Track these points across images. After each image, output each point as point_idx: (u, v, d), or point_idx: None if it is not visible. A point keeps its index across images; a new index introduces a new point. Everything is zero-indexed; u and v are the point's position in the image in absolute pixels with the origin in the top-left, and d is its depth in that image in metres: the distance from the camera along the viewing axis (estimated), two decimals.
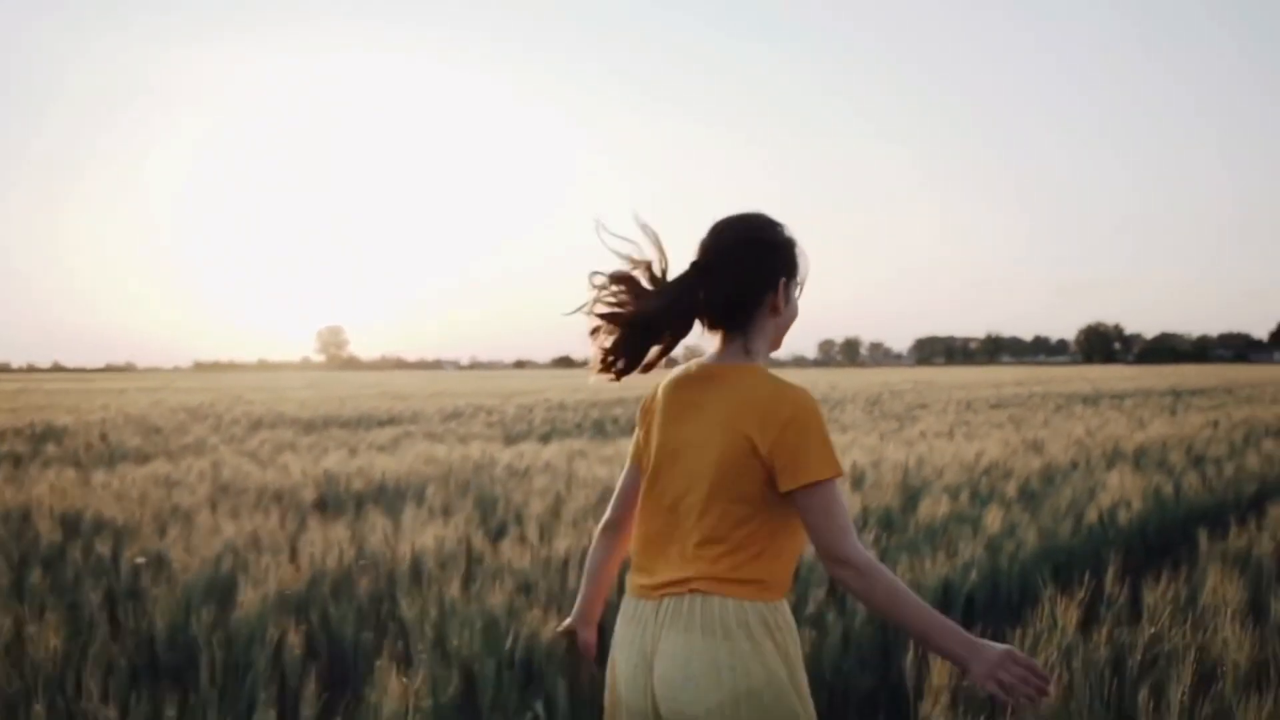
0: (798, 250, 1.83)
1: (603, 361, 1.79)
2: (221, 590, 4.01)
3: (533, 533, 4.71)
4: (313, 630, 3.77)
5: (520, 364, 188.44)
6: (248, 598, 3.69)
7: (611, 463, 7.86)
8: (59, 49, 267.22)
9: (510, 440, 11.76)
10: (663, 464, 1.83)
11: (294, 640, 3.39)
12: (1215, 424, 9.68)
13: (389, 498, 6.68)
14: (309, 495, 6.48)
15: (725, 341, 1.82)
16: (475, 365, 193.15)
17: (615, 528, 2.00)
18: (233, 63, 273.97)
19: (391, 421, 14.29)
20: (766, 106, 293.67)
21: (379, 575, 4.24)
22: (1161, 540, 5.25)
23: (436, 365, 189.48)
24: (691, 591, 1.74)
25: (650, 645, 1.77)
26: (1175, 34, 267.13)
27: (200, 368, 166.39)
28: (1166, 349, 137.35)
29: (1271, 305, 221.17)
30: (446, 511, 5.77)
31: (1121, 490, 5.41)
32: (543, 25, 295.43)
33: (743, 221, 1.82)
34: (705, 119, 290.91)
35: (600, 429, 13.70)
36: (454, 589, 3.74)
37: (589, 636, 2.05)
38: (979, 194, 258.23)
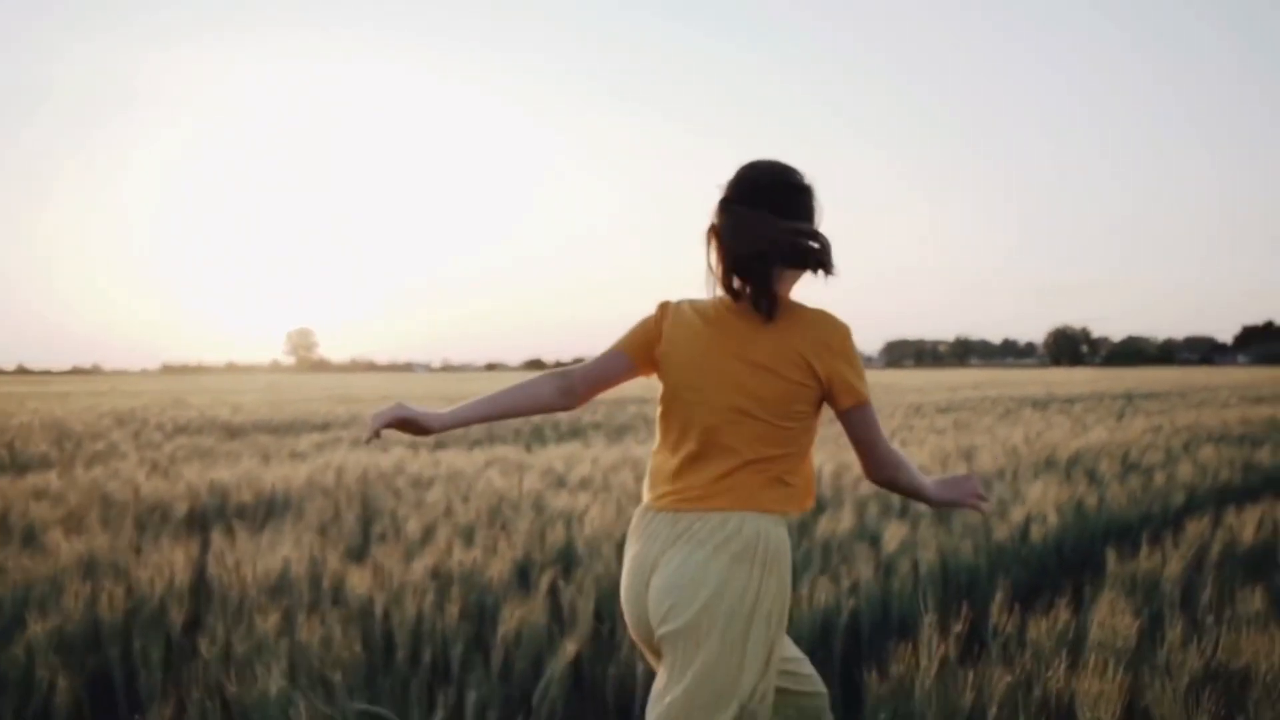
0: (815, 197, 1.95)
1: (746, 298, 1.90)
2: (7, 622, 3.57)
3: (393, 553, 4.30)
4: (110, 667, 3.35)
5: (492, 366, 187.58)
6: (33, 631, 3.26)
7: (527, 471, 7.47)
8: (41, 50, 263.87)
9: (438, 446, 11.33)
10: (702, 390, 1.90)
11: (63, 685, 2.97)
12: (1158, 429, 9.41)
13: (273, 511, 6.26)
14: (183, 509, 6.04)
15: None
16: (447, 368, 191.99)
17: (568, 389, 2.01)
18: (209, 65, 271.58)
19: (325, 427, 13.81)
20: (742, 107, 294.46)
21: (204, 601, 3.83)
22: (1079, 557, 4.92)
23: (407, 368, 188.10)
24: (722, 507, 1.85)
25: (654, 558, 1.87)
26: (1150, 39, 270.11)
27: (168, 370, 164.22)
28: (1133, 352, 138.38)
29: (1236, 309, 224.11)
30: (322, 527, 5.36)
31: (1040, 502, 5.07)
32: (514, 26, 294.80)
33: (770, 169, 1.93)
34: (680, 120, 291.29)
35: (539, 435, 13.28)
36: (271, 621, 3.34)
37: (427, 427, 1.93)
38: (953, 198, 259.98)
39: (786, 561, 1.88)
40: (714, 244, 1.92)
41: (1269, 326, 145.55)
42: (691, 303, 2.00)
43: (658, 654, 1.91)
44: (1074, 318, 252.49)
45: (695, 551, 1.83)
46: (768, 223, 1.85)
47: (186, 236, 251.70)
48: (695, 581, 1.80)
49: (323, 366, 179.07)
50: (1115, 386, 19.53)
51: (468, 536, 4.90)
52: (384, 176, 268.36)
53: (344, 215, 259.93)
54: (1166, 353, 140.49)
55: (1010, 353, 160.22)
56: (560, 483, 6.72)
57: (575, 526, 4.71)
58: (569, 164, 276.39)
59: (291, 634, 3.30)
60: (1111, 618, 2.98)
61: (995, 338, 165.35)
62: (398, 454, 9.14)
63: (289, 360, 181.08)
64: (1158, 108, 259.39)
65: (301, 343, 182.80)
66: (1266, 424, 10.07)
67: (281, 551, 4.30)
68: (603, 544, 4.45)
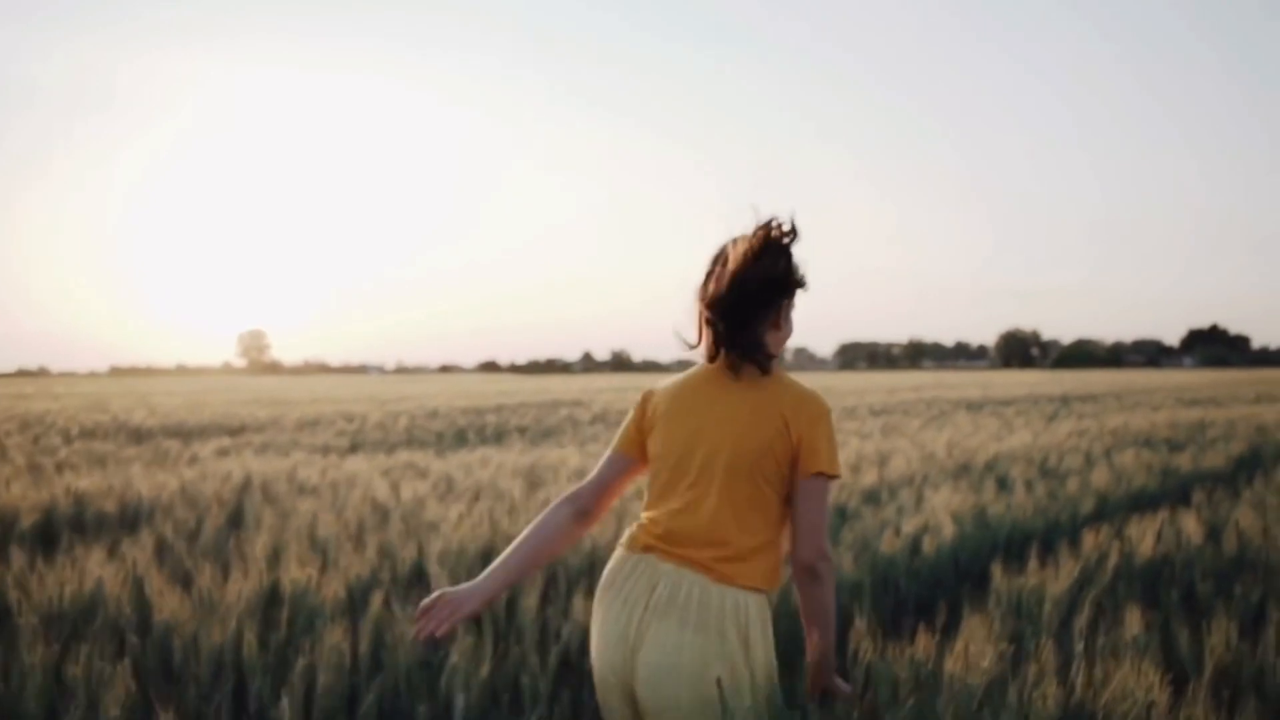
0: (800, 271, 2.02)
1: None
2: None
3: (211, 576, 3.88)
4: None
5: (446, 369, 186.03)
6: None
7: (429, 478, 7.08)
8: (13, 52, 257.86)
9: (351, 450, 10.89)
10: (687, 448, 2.00)
11: None
12: (1084, 433, 9.21)
13: (132, 522, 5.81)
14: (30, 520, 5.58)
15: (726, 356, 2.02)
16: (401, 370, 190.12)
17: (581, 503, 2.10)
18: (164, 71, 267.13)
19: (238, 431, 13.29)
20: (702, 108, 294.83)
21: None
22: (977, 570, 4.62)
23: (361, 370, 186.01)
24: (699, 569, 1.92)
25: (637, 630, 1.91)
26: (1099, 47, 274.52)
27: (116, 372, 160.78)
28: (1082, 354, 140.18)
29: (1183, 312, 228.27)
30: (162, 543, 4.92)
31: (940, 511, 4.77)
32: (469, 28, 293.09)
33: (760, 243, 1.98)
34: (637, 122, 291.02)
35: (462, 438, 12.86)
36: (39, 654, 2.93)
37: (474, 611, 2.00)
38: (910, 199, 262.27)
39: (769, 633, 1.98)
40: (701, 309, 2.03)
41: (1214, 330, 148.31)
42: (672, 382, 2.11)
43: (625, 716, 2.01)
44: (1025, 321, 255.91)
45: (684, 632, 1.90)
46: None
47: (139, 238, 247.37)
48: (691, 666, 1.88)
49: (275, 369, 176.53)
50: (1054, 389, 19.40)
51: (324, 551, 4.51)
52: (339, 178, 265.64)
53: (298, 216, 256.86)
54: (1115, 355, 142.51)
55: (962, 355, 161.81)
56: (448, 491, 6.33)
57: (432, 541, 4.33)
58: (524, 166, 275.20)
59: (59, 668, 2.90)
60: (973, 645, 2.65)
61: (948, 340, 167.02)
62: (295, 459, 8.70)
63: (241, 363, 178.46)
64: (1111, 116, 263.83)
65: (253, 344, 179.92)
66: (1193, 427, 9.92)
67: (97, 571, 3.88)
68: (457, 560, 4.08)
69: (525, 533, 2.07)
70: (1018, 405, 14.27)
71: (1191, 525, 4.35)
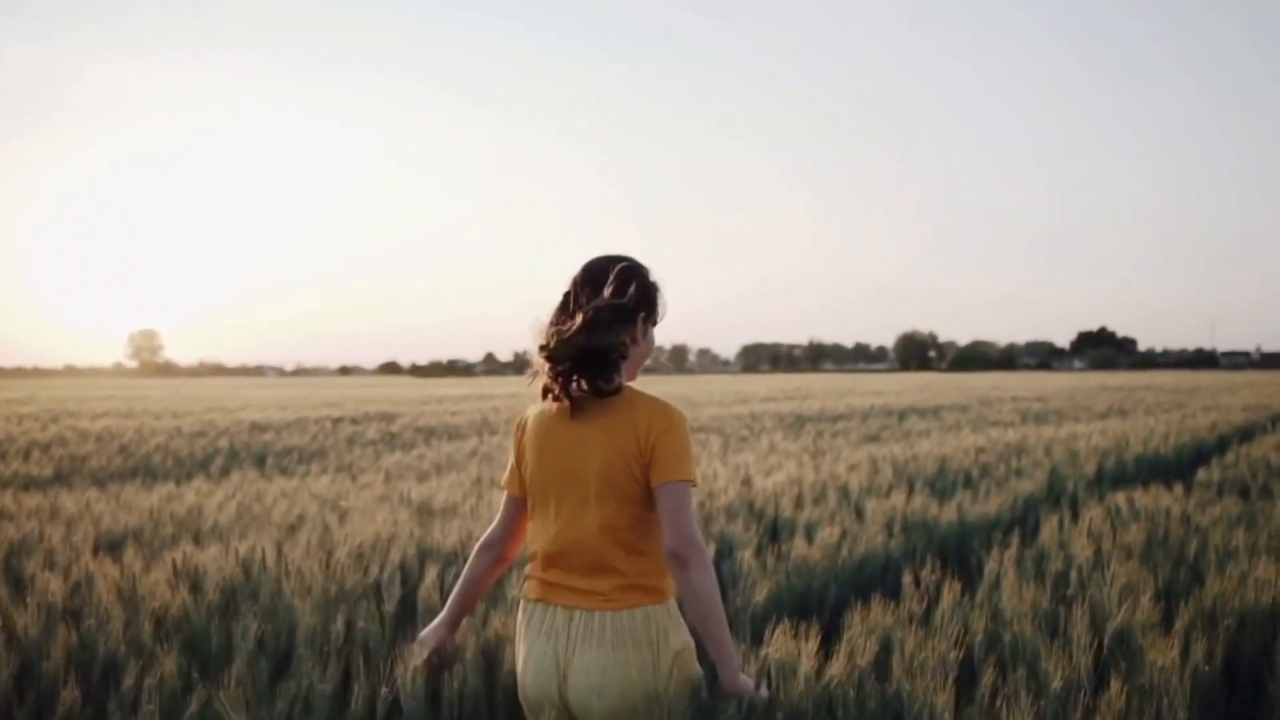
0: (657, 293, 2.22)
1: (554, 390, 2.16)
2: None
3: None
4: None
5: (345, 370, 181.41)
6: None
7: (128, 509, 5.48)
8: None
9: (53, 481, 9.14)
10: (555, 480, 2.17)
11: None
12: (875, 461, 7.89)
13: None
14: None
15: None
16: (300, 371, 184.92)
17: (495, 549, 2.38)
18: (55, 73, 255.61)
19: None
20: (598, 107, 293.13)
21: None
22: None
23: (258, 371, 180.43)
24: (601, 606, 2.10)
25: (563, 656, 2.10)
26: (995, 48, 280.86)
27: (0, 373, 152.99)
28: (978, 356, 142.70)
29: (1074, 315, 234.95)
30: None
31: None
32: (357, 31, 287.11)
33: (610, 263, 2.16)
34: (528, 121, 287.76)
35: (207, 464, 11.11)
36: None
37: (449, 639, 2.50)
38: (815, 200, 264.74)
39: (685, 633, 2.17)
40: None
41: (1102, 332, 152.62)
42: (537, 409, 2.25)
43: None
44: (919, 322, 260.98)
45: (604, 651, 2.07)
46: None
47: (25, 236, 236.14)
48: (617, 680, 2.06)
49: (168, 370, 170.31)
50: (899, 401, 18.18)
51: None
52: (232, 176, 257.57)
53: (191, 215, 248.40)
54: (1008, 357, 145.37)
55: (863, 356, 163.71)
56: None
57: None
58: (418, 165, 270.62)
59: None
60: None
61: (847, 341, 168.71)
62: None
63: (132, 363, 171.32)
64: (1006, 124, 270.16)
65: (145, 345, 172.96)
66: (1006, 451, 8.70)
67: None
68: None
69: (459, 581, 2.42)
70: (850, 420, 12.94)
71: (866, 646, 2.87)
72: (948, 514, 5.72)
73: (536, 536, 2.22)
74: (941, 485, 7.07)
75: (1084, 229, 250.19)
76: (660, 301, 2.22)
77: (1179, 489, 5.81)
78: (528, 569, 2.25)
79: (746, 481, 6.47)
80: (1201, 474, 7.60)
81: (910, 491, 6.27)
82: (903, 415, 14.33)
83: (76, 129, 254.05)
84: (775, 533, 5.29)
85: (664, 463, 2.08)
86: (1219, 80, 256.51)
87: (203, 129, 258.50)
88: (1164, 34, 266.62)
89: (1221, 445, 11.10)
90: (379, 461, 10.80)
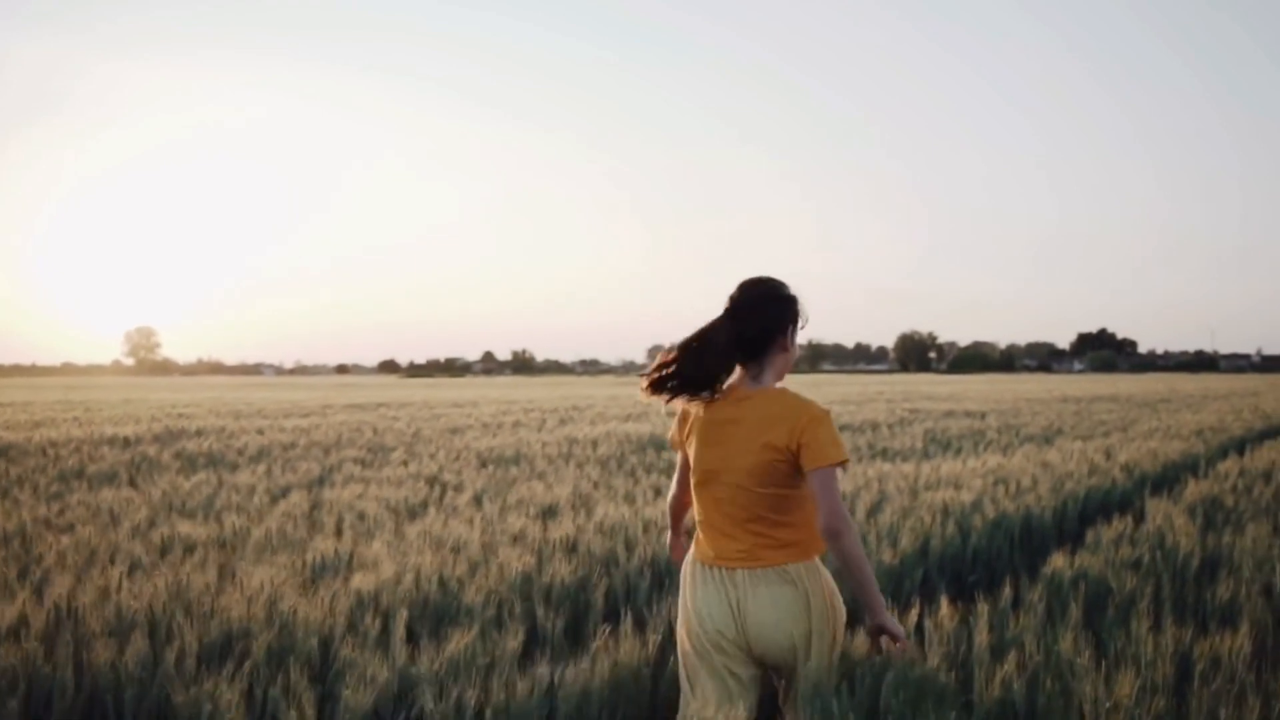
0: (800, 304, 2.62)
1: (678, 387, 2.58)
2: None
3: None
4: None
5: (343, 369, 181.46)
6: None
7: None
8: None
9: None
10: (713, 467, 2.57)
11: None
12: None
13: None
14: None
15: (746, 371, 2.59)
16: (299, 369, 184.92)
17: (679, 500, 2.84)
18: (59, 72, 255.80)
19: None
20: (607, 108, 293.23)
21: None
22: None
23: (256, 369, 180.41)
24: (760, 566, 2.51)
25: (738, 603, 2.50)
26: (994, 51, 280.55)
27: None
28: (977, 357, 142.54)
29: (1074, 316, 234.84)
30: None
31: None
32: (361, 29, 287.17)
33: (762, 283, 2.60)
34: (531, 121, 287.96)
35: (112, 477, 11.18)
36: None
37: (678, 549, 2.91)
38: (817, 202, 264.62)
39: (834, 585, 2.61)
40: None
41: (1102, 334, 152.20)
42: (702, 406, 2.64)
43: (719, 667, 2.56)
44: (923, 324, 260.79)
45: (775, 589, 2.50)
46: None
47: (24, 235, 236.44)
48: (790, 610, 2.49)
49: (166, 368, 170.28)
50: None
51: None
52: (231, 175, 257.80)
53: (190, 213, 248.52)
54: (1008, 358, 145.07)
55: (863, 357, 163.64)
56: None
57: None
58: (418, 164, 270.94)
59: None
60: None
61: (849, 341, 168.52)
62: None
63: (129, 361, 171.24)
64: (1002, 123, 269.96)
65: (143, 343, 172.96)
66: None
67: None
68: None
69: (669, 513, 2.90)
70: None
71: None
72: None
73: (702, 509, 2.61)
74: None
75: (1085, 231, 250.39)
76: (802, 311, 2.62)
77: (984, 607, 3.15)
78: (696, 535, 2.65)
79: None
80: (1058, 561, 4.23)
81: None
82: (875, 428, 14.46)
83: (76, 128, 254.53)
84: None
85: (814, 450, 2.43)
86: (1220, 84, 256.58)
87: (202, 128, 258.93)
88: (1166, 37, 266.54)
89: (1130, 495, 7.38)
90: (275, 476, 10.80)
